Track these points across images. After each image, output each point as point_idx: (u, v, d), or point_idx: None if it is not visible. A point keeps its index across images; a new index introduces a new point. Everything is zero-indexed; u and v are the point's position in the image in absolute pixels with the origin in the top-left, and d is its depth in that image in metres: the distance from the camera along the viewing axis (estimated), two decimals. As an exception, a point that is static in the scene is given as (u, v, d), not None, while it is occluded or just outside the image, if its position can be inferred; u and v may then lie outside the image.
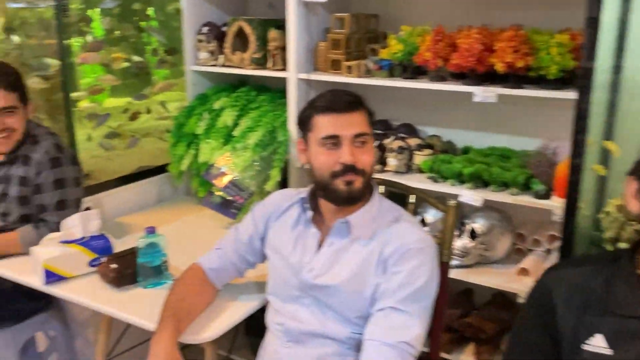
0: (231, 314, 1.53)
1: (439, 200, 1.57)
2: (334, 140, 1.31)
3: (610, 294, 0.99)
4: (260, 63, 2.30)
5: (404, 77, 2.03)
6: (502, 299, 2.18)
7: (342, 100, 1.33)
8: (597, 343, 1.00)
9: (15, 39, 2.63)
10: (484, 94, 1.82)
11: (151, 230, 1.61)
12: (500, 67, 1.75)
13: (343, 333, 1.35)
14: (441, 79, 1.96)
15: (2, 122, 1.79)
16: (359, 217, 1.37)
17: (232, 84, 2.54)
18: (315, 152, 1.35)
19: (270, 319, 1.47)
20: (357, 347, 1.34)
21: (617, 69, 1.44)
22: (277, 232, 1.48)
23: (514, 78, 1.79)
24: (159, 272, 1.64)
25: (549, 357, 1.08)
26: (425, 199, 1.58)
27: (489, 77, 1.86)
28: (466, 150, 2.16)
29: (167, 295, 1.44)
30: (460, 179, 1.96)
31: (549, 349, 1.08)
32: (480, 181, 1.93)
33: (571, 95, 1.64)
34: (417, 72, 2.04)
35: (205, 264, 1.54)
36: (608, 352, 0.99)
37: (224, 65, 2.40)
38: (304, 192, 1.49)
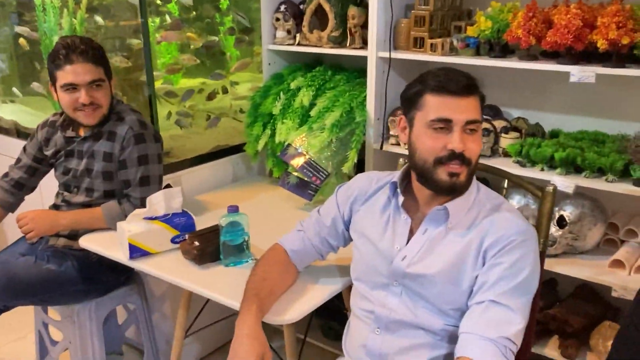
0: (312, 296, 1.51)
1: (535, 186, 1.48)
2: (444, 124, 1.23)
3: None
4: (339, 41, 2.25)
5: (492, 56, 1.93)
6: (588, 291, 2.07)
7: (460, 82, 1.24)
8: None
9: (98, 19, 2.68)
10: (581, 73, 1.70)
11: (234, 209, 1.60)
12: (602, 44, 1.63)
13: (436, 324, 1.29)
14: (533, 57, 1.85)
15: (91, 96, 1.83)
16: (458, 206, 1.30)
17: (307, 64, 2.50)
18: (420, 133, 1.27)
19: (356, 304, 1.43)
20: (451, 339, 1.29)
21: None
22: (363, 216, 1.43)
23: (616, 56, 1.66)
24: (240, 250, 1.64)
25: None
26: (520, 183, 1.50)
27: (585, 56, 1.74)
28: (555, 134, 2.04)
29: (250, 275, 1.43)
30: (550, 164, 1.86)
31: None
32: (571, 167, 1.82)
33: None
34: (504, 50, 1.94)
35: (287, 245, 1.52)
36: None
37: (300, 44, 2.37)
38: (394, 175, 1.43)
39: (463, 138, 1.23)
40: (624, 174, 1.75)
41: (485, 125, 1.97)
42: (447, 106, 1.23)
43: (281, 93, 2.35)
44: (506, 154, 1.98)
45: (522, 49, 1.83)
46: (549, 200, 1.45)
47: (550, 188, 1.44)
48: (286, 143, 2.18)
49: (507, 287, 1.21)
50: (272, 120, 2.36)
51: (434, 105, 1.24)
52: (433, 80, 1.25)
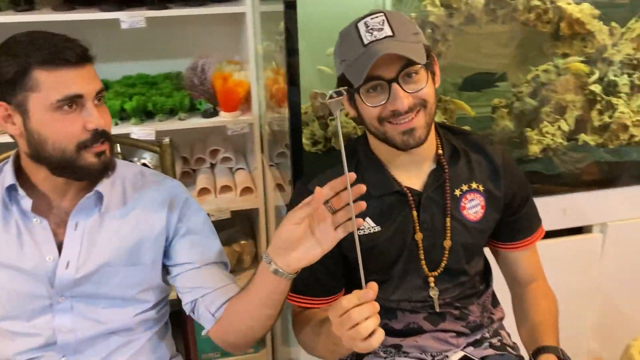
0: None
1: (150, 142, 1.43)
2: (73, 102, 1.02)
3: (364, 180, 1.14)
4: None
5: (19, 10, 1.65)
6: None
7: (75, 49, 1.02)
8: (368, 224, 1.16)
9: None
10: (131, 19, 1.66)
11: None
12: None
13: (127, 319, 1.16)
14: (69, 7, 1.68)
15: None
16: (107, 186, 1.13)
17: None
18: (44, 119, 1.02)
19: (7, 351, 1.12)
20: (146, 327, 1.19)
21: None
22: None
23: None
24: None
25: None
26: (137, 144, 1.42)
27: (125, 1, 1.71)
28: (104, 84, 1.95)
29: None
30: (121, 115, 1.80)
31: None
32: (143, 114, 1.82)
33: (238, 9, 1.69)
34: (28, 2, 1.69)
35: None
36: (377, 229, 1.16)
37: None
38: None
39: (99, 112, 1.07)
40: (192, 110, 1.86)
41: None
42: (71, 80, 1.03)
43: None
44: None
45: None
46: (167, 153, 1.43)
47: (167, 140, 1.42)
48: None
49: (217, 246, 1.20)
50: None
51: (52, 82, 1.01)
52: (39, 52, 1.01)
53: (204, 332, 1.16)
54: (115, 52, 1.97)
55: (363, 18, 1.04)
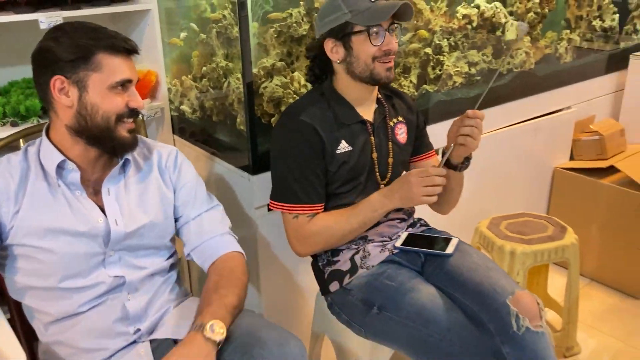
0: None
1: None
2: (124, 85, 1.26)
3: (336, 113, 1.57)
4: None
5: None
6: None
7: (128, 42, 1.27)
8: (343, 146, 1.57)
9: None
10: (50, 19, 1.78)
11: None
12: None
13: (159, 263, 1.39)
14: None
15: None
16: (131, 157, 1.36)
17: None
18: (102, 94, 1.23)
19: (75, 304, 1.29)
20: (171, 269, 1.44)
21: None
22: (31, 213, 1.24)
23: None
24: None
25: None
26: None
27: (41, 2, 1.81)
28: (7, 90, 1.97)
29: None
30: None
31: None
32: (20, 117, 1.88)
33: (144, 6, 1.91)
34: None
35: None
36: (349, 148, 1.57)
37: None
38: (24, 155, 1.30)
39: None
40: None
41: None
42: (126, 67, 1.26)
43: None
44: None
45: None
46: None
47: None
48: None
49: (203, 194, 1.46)
50: None
51: (113, 66, 1.23)
52: (103, 40, 1.22)
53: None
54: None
55: None
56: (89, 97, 1.22)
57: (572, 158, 2.81)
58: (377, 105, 1.64)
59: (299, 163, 1.53)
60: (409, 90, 2.18)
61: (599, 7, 2.80)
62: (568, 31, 2.72)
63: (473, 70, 2.34)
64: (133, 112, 1.28)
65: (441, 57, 2.25)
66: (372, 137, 1.60)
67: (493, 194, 2.52)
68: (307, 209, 1.55)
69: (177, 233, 1.46)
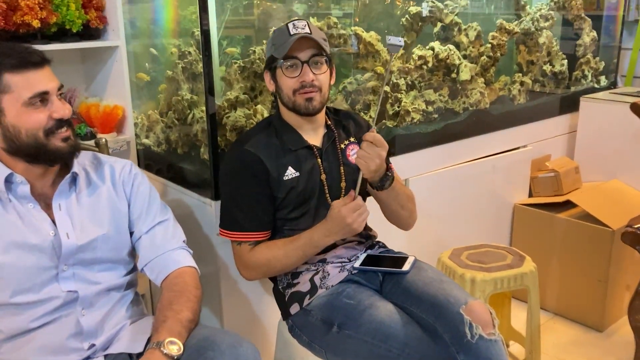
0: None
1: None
2: (42, 98, 1.25)
3: (282, 140, 1.63)
4: None
5: None
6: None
7: (36, 53, 1.26)
8: (290, 172, 1.62)
9: None
10: (19, 52, 1.83)
11: None
12: (36, 23, 1.83)
13: (118, 278, 1.40)
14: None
15: None
16: (82, 174, 1.38)
17: None
18: (18, 114, 1.22)
19: (26, 320, 1.27)
20: (129, 285, 1.44)
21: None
22: None
23: (42, 35, 1.90)
24: None
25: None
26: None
27: (12, 39, 1.87)
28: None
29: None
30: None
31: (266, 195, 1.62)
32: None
33: (112, 42, 1.98)
34: None
35: None
36: (296, 173, 1.63)
37: None
38: None
39: (61, 104, 1.30)
40: (73, 134, 2.06)
41: None
42: (38, 80, 1.24)
43: None
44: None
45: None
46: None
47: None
48: None
49: (157, 207, 1.48)
50: None
51: (23, 83, 1.22)
52: (8, 59, 1.22)
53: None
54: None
55: (292, 21, 1.56)
56: (7, 120, 1.23)
57: (530, 194, 2.90)
58: (325, 130, 1.71)
59: (241, 192, 1.58)
60: (368, 124, 2.26)
61: (549, 53, 2.98)
62: (520, 74, 2.88)
63: (430, 109, 2.45)
64: (61, 122, 1.27)
65: (399, 95, 2.36)
66: (320, 160, 1.66)
67: (456, 226, 2.59)
68: (249, 237, 1.59)
69: (133, 248, 1.47)
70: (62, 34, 1.97)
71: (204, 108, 1.81)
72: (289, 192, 1.61)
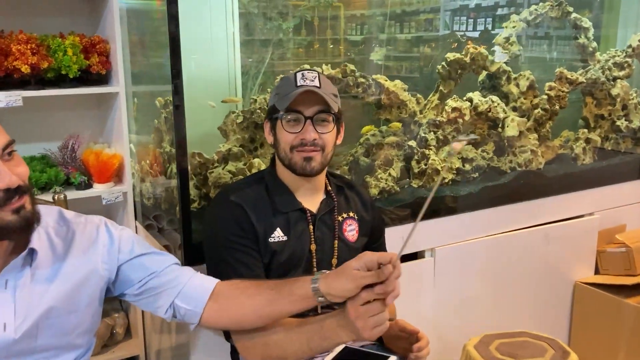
0: None
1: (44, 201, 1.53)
2: None
3: (272, 199, 1.41)
4: None
5: None
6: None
7: None
8: (277, 234, 1.40)
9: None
10: (8, 98, 1.78)
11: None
12: (25, 69, 1.77)
13: None
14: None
15: None
16: (36, 240, 1.11)
17: None
18: None
19: None
20: None
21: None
22: None
23: (36, 80, 1.84)
24: None
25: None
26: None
27: (1, 84, 1.82)
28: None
29: None
30: (-6, 192, 1.84)
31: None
32: (15, 190, 1.87)
33: (112, 89, 1.89)
34: None
35: None
36: (284, 238, 1.40)
37: None
38: None
39: (10, 167, 1.07)
40: (67, 184, 1.97)
41: None
42: None
43: None
44: None
45: None
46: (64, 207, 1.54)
47: (62, 195, 1.54)
48: None
49: (157, 254, 1.26)
50: None
51: None
52: None
53: (192, 327, 1.25)
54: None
55: (302, 70, 1.36)
56: None
57: (597, 271, 2.45)
58: (324, 196, 1.47)
59: (228, 245, 1.36)
60: (386, 183, 1.99)
61: (624, 107, 2.55)
62: (586, 130, 2.48)
63: (468, 167, 2.13)
64: (9, 192, 1.02)
65: (427, 151, 2.07)
66: (312, 227, 1.42)
67: (493, 307, 2.21)
68: None
69: (140, 302, 1.26)
70: (61, 79, 1.91)
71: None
72: (273, 258, 1.38)
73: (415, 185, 2.06)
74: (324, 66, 1.96)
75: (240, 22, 2.27)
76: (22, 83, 1.83)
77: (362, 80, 2.01)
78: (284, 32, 2.40)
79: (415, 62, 2.93)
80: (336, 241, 1.45)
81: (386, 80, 2.05)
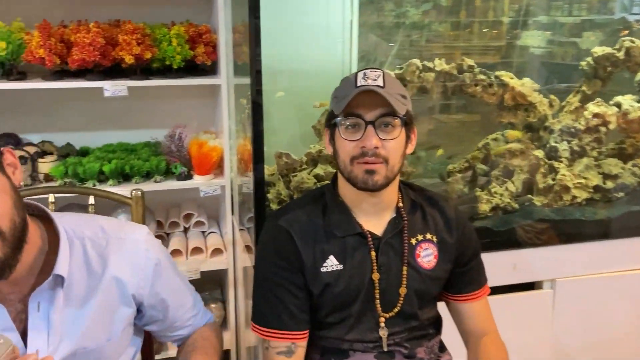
0: None
1: (121, 195, 1.52)
2: None
3: (328, 222, 1.24)
4: None
5: (11, 79, 1.80)
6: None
7: None
8: (331, 262, 1.24)
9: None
10: (114, 87, 1.81)
11: None
12: (129, 59, 1.78)
13: None
14: (58, 77, 1.83)
15: None
16: (65, 259, 1.01)
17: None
18: None
19: None
20: None
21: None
22: None
23: (141, 70, 1.85)
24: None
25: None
26: (108, 196, 1.51)
27: (110, 72, 1.86)
28: (85, 151, 2.07)
29: None
30: (100, 178, 1.90)
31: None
32: (121, 176, 1.92)
33: (214, 81, 1.84)
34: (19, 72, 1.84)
35: None
36: (340, 267, 1.24)
37: None
38: None
39: None
40: (167, 173, 1.98)
41: (20, 152, 1.83)
42: None
43: None
44: (49, 179, 1.90)
45: (48, 68, 1.78)
46: (139, 205, 1.52)
47: (139, 192, 1.52)
48: None
49: (194, 298, 1.23)
50: None
51: None
52: None
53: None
54: (98, 121, 2.11)
55: (365, 69, 1.18)
56: None
57: None
58: (394, 214, 1.26)
59: (267, 277, 1.23)
60: (501, 199, 1.71)
61: None
62: None
63: (610, 184, 1.77)
64: None
65: (556, 164, 1.74)
66: (375, 254, 1.23)
67: (620, 356, 1.83)
68: (278, 336, 1.22)
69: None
70: (167, 69, 1.91)
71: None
72: (325, 290, 1.21)
73: (538, 203, 1.76)
74: (436, 61, 1.73)
75: (359, 9, 2.09)
76: (129, 72, 1.86)
77: (482, 77, 1.74)
78: (411, 18, 2.18)
79: (570, 51, 2.50)
80: (405, 267, 1.24)
81: (512, 78, 1.75)
